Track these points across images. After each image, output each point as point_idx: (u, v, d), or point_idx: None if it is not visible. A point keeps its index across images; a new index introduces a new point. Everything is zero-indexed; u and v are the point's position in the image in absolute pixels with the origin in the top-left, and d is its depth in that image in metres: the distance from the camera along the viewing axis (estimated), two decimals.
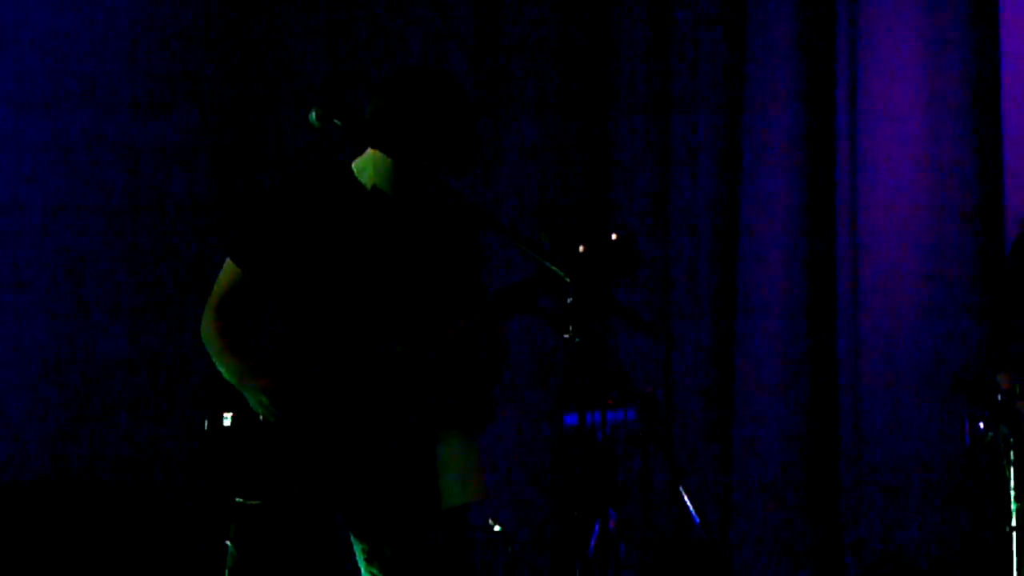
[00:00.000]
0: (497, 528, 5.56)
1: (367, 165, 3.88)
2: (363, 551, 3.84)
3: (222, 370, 3.84)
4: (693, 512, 5.47)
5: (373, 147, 3.78)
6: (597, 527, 5.43)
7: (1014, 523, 4.37)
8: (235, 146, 6.95)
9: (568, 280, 3.48)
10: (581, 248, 3.53)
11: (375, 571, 3.83)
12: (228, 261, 3.89)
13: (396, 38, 7.03)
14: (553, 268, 3.50)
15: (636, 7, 6.78)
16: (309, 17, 7.04)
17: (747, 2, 6.45)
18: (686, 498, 5.46)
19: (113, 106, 6.59)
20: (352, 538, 3.87)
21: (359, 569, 3.87)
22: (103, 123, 6.57)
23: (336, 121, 3.70)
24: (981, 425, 4.43)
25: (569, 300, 3.49)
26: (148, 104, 6.67)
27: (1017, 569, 4.38)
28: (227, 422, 3.85)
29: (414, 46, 7.01)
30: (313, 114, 3.71)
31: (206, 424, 3.89)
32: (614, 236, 3.56)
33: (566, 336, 3.48)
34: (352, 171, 3.90)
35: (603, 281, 3.52)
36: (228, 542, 3.83)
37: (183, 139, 6.75)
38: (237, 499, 3.82)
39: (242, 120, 6.99)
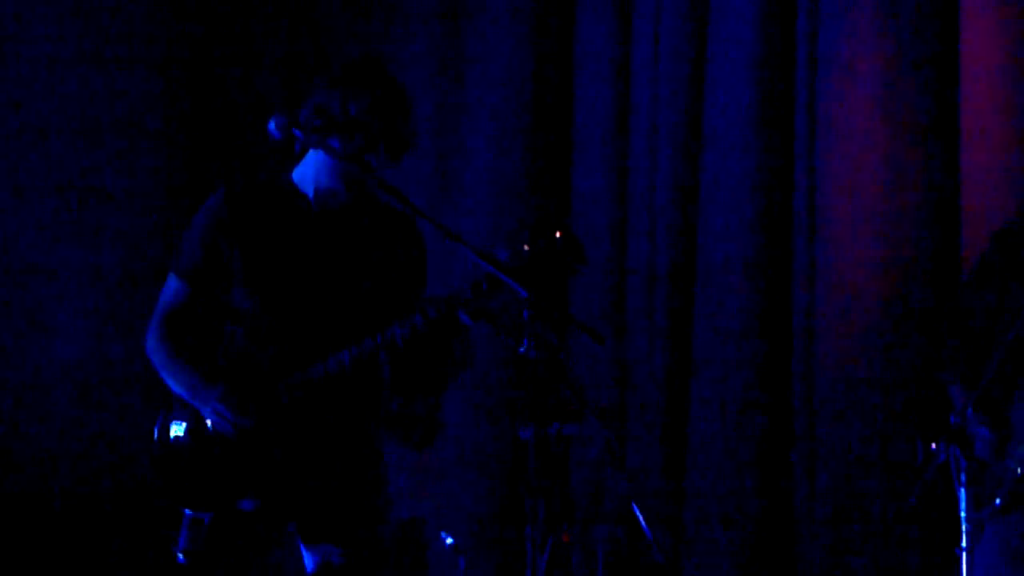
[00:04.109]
0: (449, 541, 5.55)
1: (308, 169, 3.87)
2: (314, 562, 3.83)
3: (171, 383, 3.83)
4: (646, 529, 5.47)
5: (314, 145, 3.77)
6: (550, 543, 5.42)
7: (964, 544, 4.39)
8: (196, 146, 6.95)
9: (525, 295, 3.48)
10: (526, 247, 3.53)
11: None
12: (171, 275, 3.90)
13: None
14: (509, 282, 3.51)
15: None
16: (271, 26, 7.08)
17: None
18: (639, 515, 5.46)
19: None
20: (303, 548, 3.86)
21: None
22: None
23: (295, 131, 3.70)
24: (933, 446, 4.45)
25: (526, 314, 3.49)
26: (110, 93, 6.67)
27: None
28: (177, 433, 3.84)
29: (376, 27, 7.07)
30: (272, 123, 3.70)
31: (155, 435, 3.88)
32: (559, 233, 3.57)
33: (521, 350, 3.48)
34: (292, 180, 3.89)
35: (555, 281, 3.53)
36: (179, 554, 3.81)
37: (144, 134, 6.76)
38: (187, 511, 3.81)
39: (201, 127, 6.99)
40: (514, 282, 3.47)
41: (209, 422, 3.78)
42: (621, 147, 6.66)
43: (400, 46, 7.07)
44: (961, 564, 4.39)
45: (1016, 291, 4.51)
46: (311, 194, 3.86)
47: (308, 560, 3.84)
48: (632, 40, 6.65)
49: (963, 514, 4.39)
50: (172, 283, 3.90)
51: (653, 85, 6.53)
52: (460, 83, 7.05)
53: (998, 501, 4.45)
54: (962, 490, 4.38)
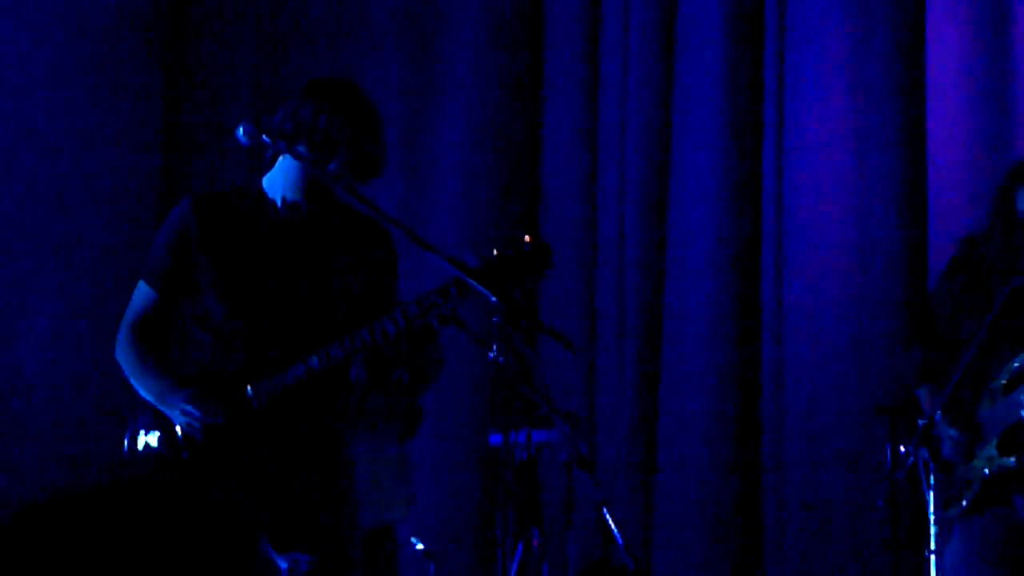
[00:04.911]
0: (420, 546, 5.55)
1: (277, 176, 3.87)
2: (284, 570, 3.82)
3: (140, 390, 3.82)
4: (617, 534, 5.48)
5: (284, 151, 3.78)
6: (520, 548, 5.42)
7: (932, 547, 4.41)
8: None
9: (495, 300, 3.48)
10: (495, 252, 3.54)
11: None
12: (141, 283, 3.90)
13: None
14: (478, 287, 3.51)
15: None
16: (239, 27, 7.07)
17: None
18: (610, 520, 5.47)
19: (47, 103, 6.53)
20: (273, 555, 3.85)
21: None
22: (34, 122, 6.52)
23: (265, 138, 3.70)
24: (902, 449, 4.47)
25: (495, 320, 3.49)
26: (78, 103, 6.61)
27: None
28: (147, 441, 3.82)
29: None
30: (241, 130, 3.70)
31: (125, 444, 3.87)
32: (527, 238, 3.58)
33: (491, 355, 3.48)
34: (262, 187, 3.89)
35: (525, 284, 3.54)
36: None
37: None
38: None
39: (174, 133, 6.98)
40: (483, 287, 3.48)
41: (178, 428, 3.77)
42: (590, 147, 6.68)
43: (371, 58, 7.07)
44: (930, 566, 4.41)
45: (983, 294, 4.54)
46: (279, 201, 3.86)
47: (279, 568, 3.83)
48: (600, 46, 6.67)
49: (931, 516, 4.41)
50: (142, 290, 3.90)
51: (622, 87, 6.56)
52: (432, 86, 7.06)
53: (966, 502, 4.47)
54: (931, 492, 4.41)
